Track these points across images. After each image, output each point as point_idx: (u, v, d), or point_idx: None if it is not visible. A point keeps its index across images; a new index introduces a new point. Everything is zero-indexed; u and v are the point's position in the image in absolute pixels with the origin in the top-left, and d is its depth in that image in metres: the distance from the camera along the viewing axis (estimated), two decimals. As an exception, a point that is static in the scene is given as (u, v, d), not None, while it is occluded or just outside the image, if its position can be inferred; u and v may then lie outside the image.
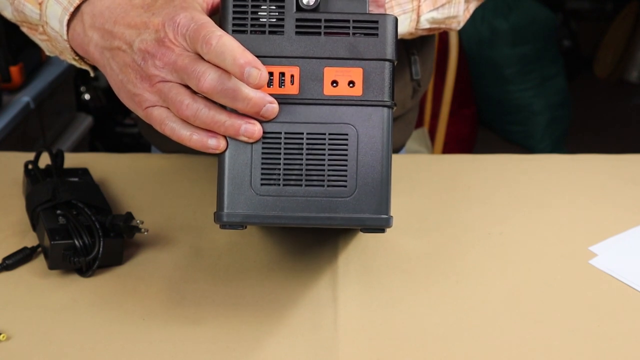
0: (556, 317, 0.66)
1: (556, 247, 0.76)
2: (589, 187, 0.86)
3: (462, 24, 0.82)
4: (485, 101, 2.68)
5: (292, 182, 0.59)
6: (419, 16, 0.77)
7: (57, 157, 0.81)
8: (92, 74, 0.74)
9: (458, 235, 0.77)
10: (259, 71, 0.56)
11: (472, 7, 0.83)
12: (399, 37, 0.61)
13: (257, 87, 0.57)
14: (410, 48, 0.96)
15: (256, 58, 0.56)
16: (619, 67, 3.27)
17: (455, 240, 0.76)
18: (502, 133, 2.75)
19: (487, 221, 0.79)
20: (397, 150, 1.06)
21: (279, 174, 0.59)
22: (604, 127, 2.95)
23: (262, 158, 0.59)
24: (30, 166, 0.81)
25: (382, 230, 0.60)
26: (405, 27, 0.77)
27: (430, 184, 0.87)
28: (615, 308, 0.67)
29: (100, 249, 0.68)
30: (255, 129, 0.58)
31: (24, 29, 0.77)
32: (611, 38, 3.24)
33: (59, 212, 0.71)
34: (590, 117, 3.02)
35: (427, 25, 0.79)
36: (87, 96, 2.03)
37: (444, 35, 1.87)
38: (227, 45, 0.56)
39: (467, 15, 0.82)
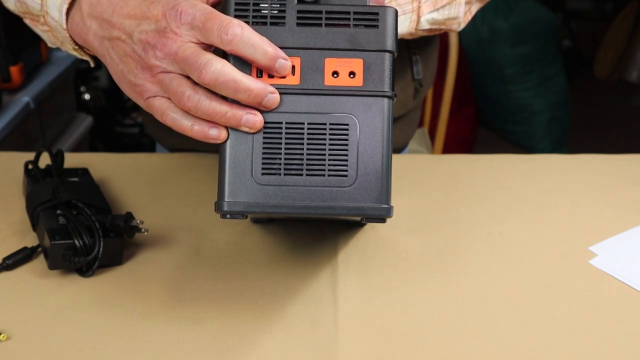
0: (556, 317, 0.66)
1: (556, 247, 0.76)
2: (589, 187, 0.86)
3: (462, 26, 0.81)
4: (485, 101, 2.68)
5: (293, 172, 0.59)
6: (419, 17, 0.77)
7: (57, 157, 0.81)
8: (92, 64, 0.73)
9: (458, 235, 0.77)
10: (287, 62, 0.58)
11: (475, 8, 0.83)
12: (398, 37, 0.61)
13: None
14: (412, 48, 0.96)
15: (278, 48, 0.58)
16: (619, 67, 3.27)
17: (455, 240, 0.76)
18: (502, 133, 2.75)
19: (487, 221, 0.79)
20: (399, 150, 1.06)
21: (280, 164, 0.59)
22: (604, 127, 2.96)
23: (263, 148, 0.59)
24: (30, 166, 0.81)
25: (383, 220, 0.60)
26: (405, 28, 0.77)
27: (430, 184, 0.87)
28: (615, 308, 0.67)
29: (100, 249, 0.68)
30: (256, 120, 0.58)
31: (27, 21, 0.77)
32: (611, 38, 3.25)
33: (59, 212, 0.71)
34: (590, 117, 3.02)
35: (427, 26, 0.79)
36: (87, 96, 2.03)
37: (444, 35, 1.87)
38: (255, 36, 0.57)
39: (469, 17, 0.82)
